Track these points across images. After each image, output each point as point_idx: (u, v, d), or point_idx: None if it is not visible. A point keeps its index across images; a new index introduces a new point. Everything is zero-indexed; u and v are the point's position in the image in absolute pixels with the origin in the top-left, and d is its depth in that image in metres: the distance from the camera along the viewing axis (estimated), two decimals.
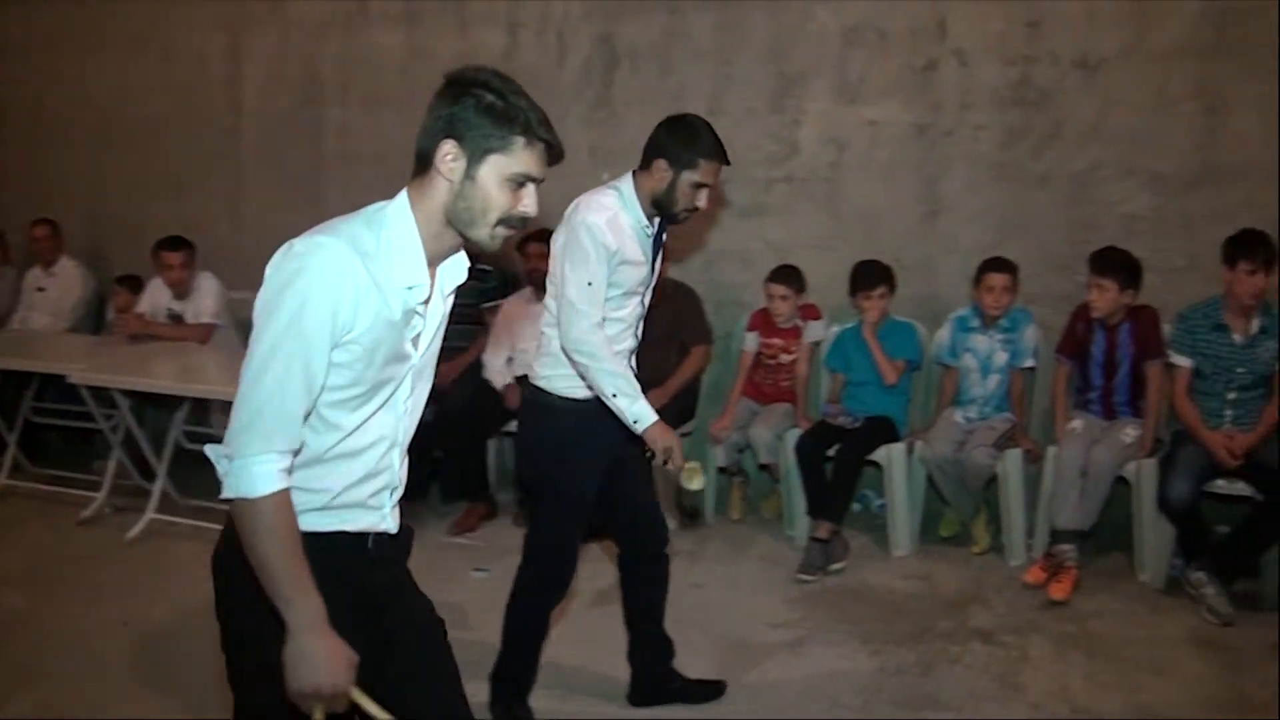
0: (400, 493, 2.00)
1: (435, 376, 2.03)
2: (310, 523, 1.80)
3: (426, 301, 1.86)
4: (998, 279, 4.78)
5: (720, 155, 2.98)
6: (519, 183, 1.80)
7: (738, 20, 5.40)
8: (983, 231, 5.10)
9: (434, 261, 1.85)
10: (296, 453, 1.74)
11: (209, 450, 1.75)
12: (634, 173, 3.07)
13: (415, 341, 1.88)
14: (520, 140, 1.78)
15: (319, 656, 1.66)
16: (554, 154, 1.82)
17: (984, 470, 4.65)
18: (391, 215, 1.82)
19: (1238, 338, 4.34)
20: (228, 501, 1.70)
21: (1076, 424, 4.63)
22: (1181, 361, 4.47)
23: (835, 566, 4.63)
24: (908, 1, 5.13)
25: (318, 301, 1.68)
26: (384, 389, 1.86)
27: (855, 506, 5.14)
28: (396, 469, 1.96)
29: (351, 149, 6.36)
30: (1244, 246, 4.25)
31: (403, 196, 1.83)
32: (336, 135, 6.44)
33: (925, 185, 5.18)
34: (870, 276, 4.94)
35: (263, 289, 1.73)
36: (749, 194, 5.47)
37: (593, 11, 5.72)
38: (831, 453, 4.83)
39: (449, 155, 1.77)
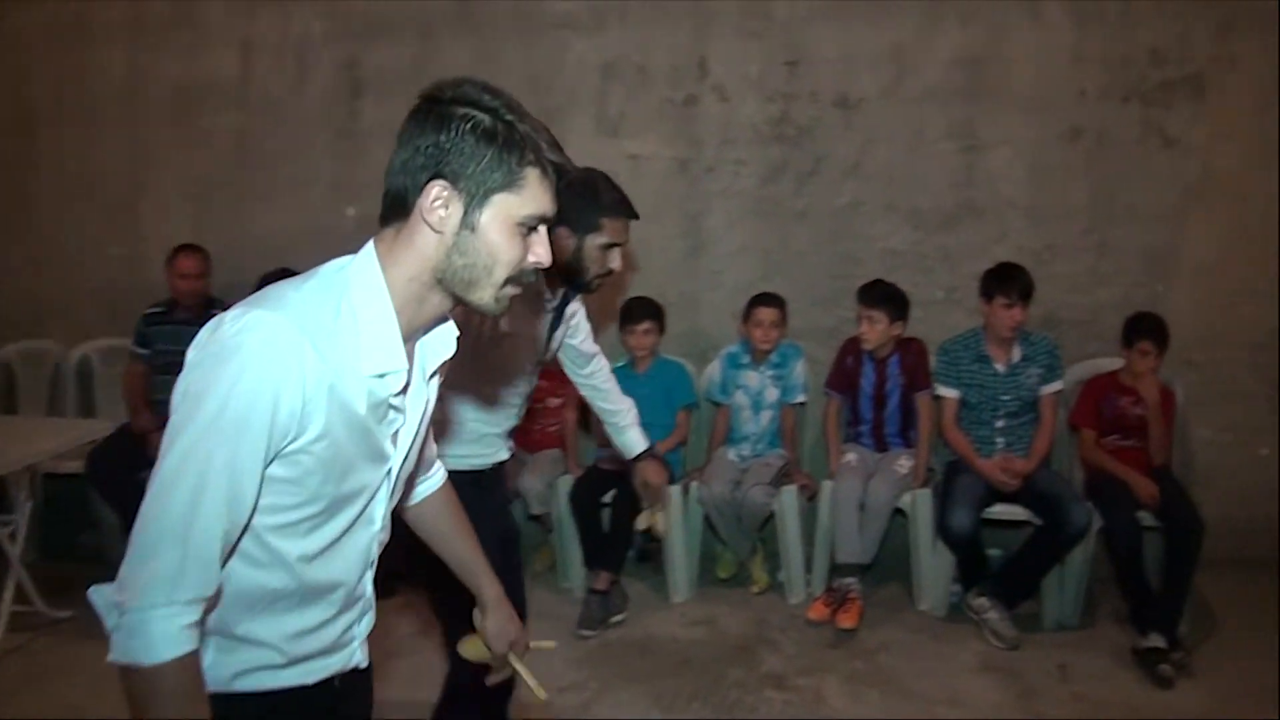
0: (374, 617, 1.64)
1: None
2: (257, 683, 1.46)
3: (404, 389, 1.49)
4: (767, 314, 4.72)
5: (627, 210, 2.63)
6: (531, 226, 1.44)
7: (493, 51, 5.16)
8: (746, 267, 5.06)
9: (412, 335, 1.48)
10: (212, 600, 1.35)
11: (94, 596, 1.33)
12: None
13: (395, 438, 1.51)
14: (533, 173, 1.41)
15: None
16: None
17: (762, 508, 4.54)
18: (355, 279, 1.42)
19: (1000, 367, 4.44)
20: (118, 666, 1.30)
21: (850, 457, 4.62)
22: (948, 393, 4.54)
23: (616, 618, 4.39)
24: (667, 37, 5.05)
25: (251, 398, 1.29)
26: (351, 504, 1.48)
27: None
28: (370, 594, 1.61)
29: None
30: (1001, 281, 4.37)
31: (368, 253, 1.44)
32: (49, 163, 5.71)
33: (688, 220, 5.10)
34: (638, 312, 4.78)
35: (180, 379, 1.34)
36: None
37: (335, 34, 5.32)
38: (607, 499, 4.60)
39: (439, 200, 1.38)
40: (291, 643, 1.48)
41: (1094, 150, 4.81)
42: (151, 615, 1.27)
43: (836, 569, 4.41)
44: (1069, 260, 4.86)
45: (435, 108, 1.40)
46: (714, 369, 4.95)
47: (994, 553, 4.56)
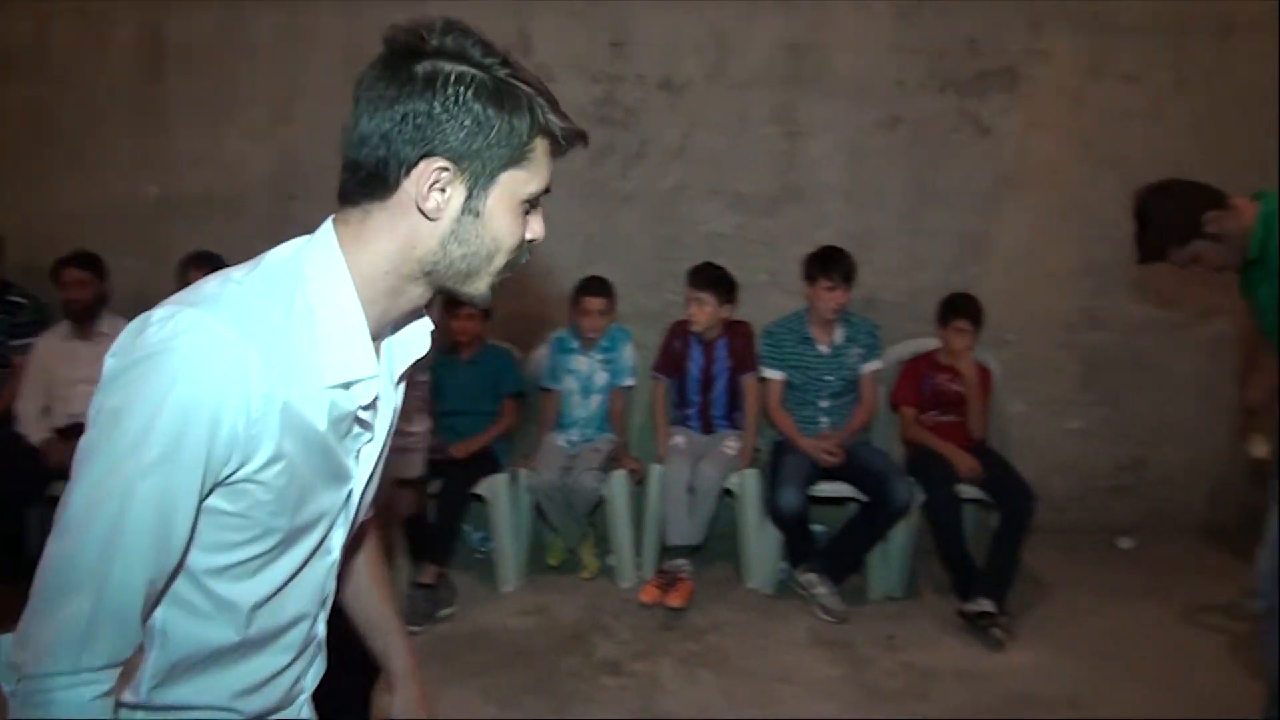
0: (324, 663, 1.39)
1: None
2: None
3: (371, 404, 1.25)
4: (594, 303, 4.65)
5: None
6: (533, 203, 1.22)
7: (306, 21, 4.92)
8: (572, 250, 4.97)
9: (380, 334, 1.25)
10: (133, 663, 1.13)
11: None
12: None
13: (359, 454, 1.28)
14: (541, 144, 1.19)
15: None
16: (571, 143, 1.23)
17: (592, 494, 4.47)
18: (311, 269, 1.17)
19: (824, 349, 4.50)
20: None
21: (678, 440, 4.60)
22: (773, 375, 4.57)
23: (444, 612, 4.23)
24: (490, 14, 4.90)
25: (183, 417, 1.05)
26: (309, 535, 1.24)
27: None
28: (322, 635, 1.36)
29: None
30: (823, 264, 4.43)
31: (327, 239, 1.18)
32: None
33: None
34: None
35: (97, 392, 1.09)
36: (324, 210, 4.94)
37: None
38: (433, 490, 4.45)
39: (437, 182, 1.14)
40: (241, 700, 1.25)
41: (912, 138, 4.94)
42: (54, 684, 1.05)
43: (667, 551, 4.39)
44: (888, 244, 4.97)
45: (419, 64, 1.12)
46: (542, 355, 4.85)
47: (818, 529, 4.62)
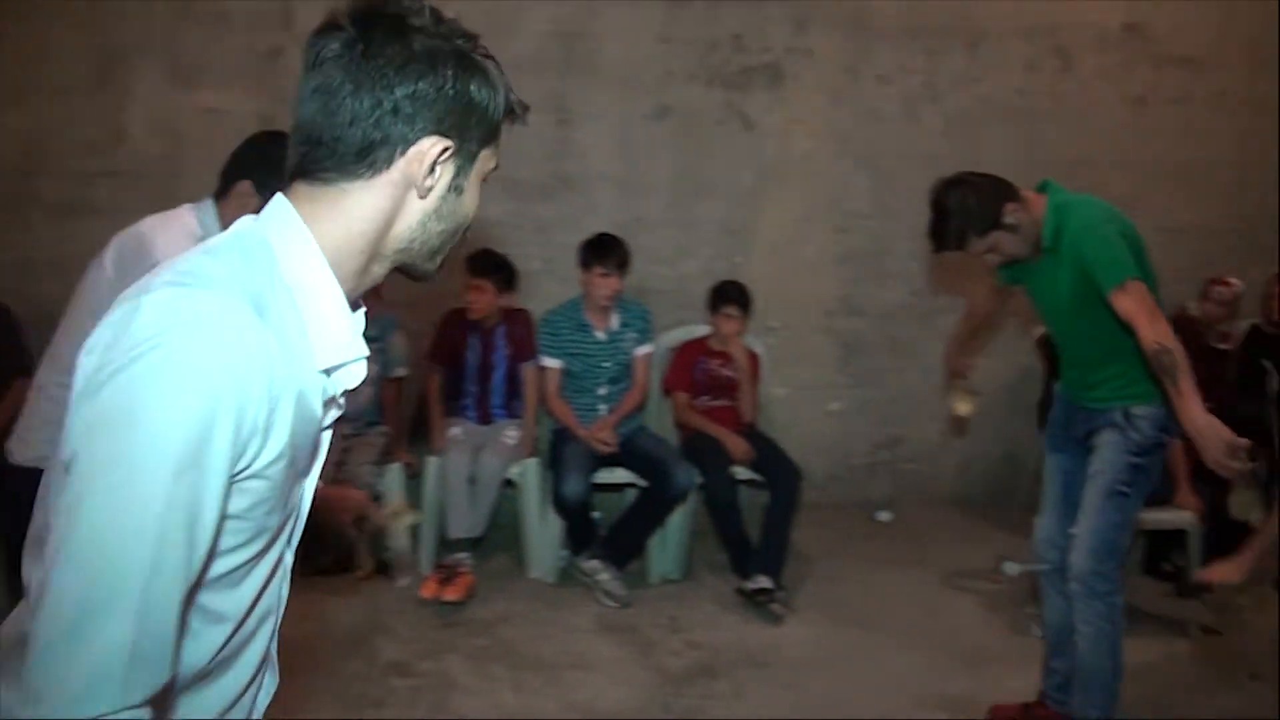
0: (276, 677, 1.29)
1: None
2: None
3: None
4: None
5: None
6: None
7: None
8: None
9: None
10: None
11: None
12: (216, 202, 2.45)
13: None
14: (505, 120, 1.19)
15: None
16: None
17: (368, 490, 4.32)
18: (280, 247, 1.09)
19: (600, 335, 4.53)
20: None
21: (455, 431, 4.52)
22: (551, 363, 4.55)
23: None
24: None
25: (210, 409, 0.94)
26: (282, 533, 1.16)
27: None
28: (274, 648, 1.26)
29: None
30: (597, 251, 4.45)
31: (290, 215, 1.11)
32: None
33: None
34: None
35: (84, 397, 0.96)
36: (68, 188, 4.56)
37: None
38: None
39: (434, 160, 1.11)
40: None
41: (679, 128, 5.03)
42: None
43: (447, 544, 4.30)
44: (656, 232, 5.05)
45: (415, 40, 1.09)
46: None
47: (596, 516, 4.65)
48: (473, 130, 1.14)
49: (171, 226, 2.36)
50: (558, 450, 4.45)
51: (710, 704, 3.54)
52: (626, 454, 4.41)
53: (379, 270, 1.18)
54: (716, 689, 3.63)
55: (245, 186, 2.38)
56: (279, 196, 1.14)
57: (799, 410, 5.23)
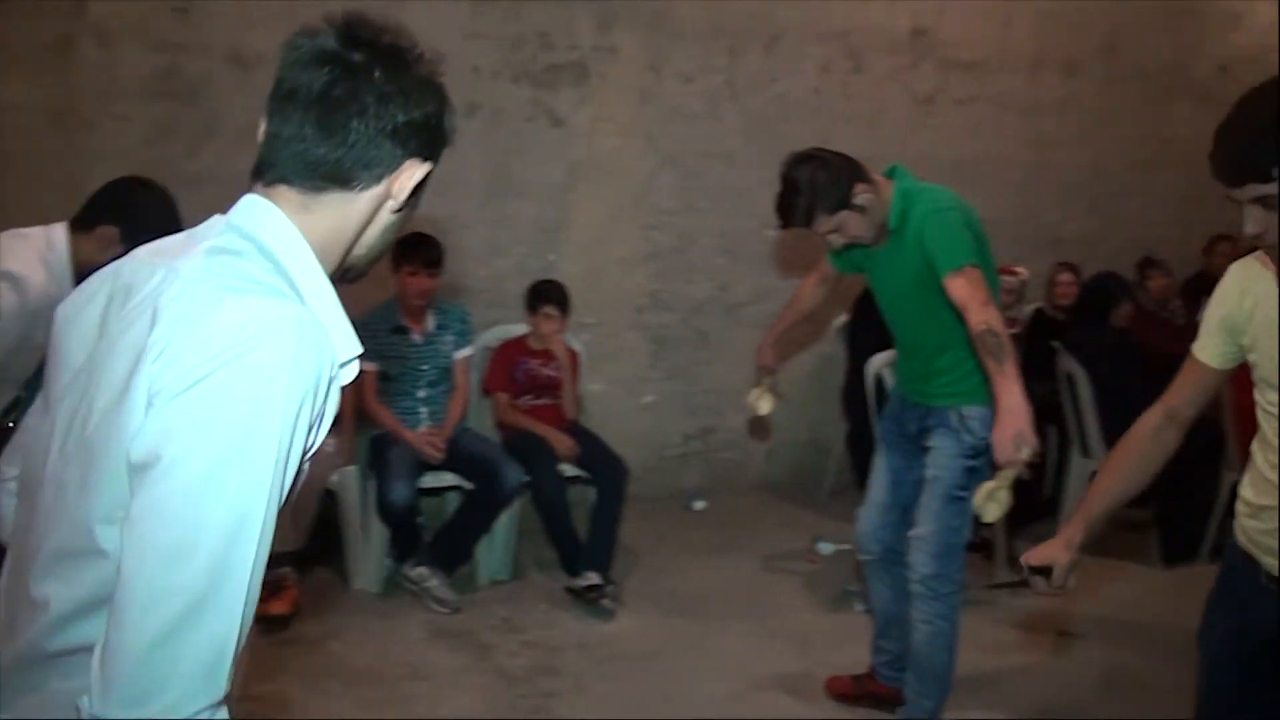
0: None
1: None
2: None
3: None
4: None
5: None
6: None
7: None
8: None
9: None
10: None
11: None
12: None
13: None
14: None
15: None
16: None
17: None
18: (282, 252, 1.18)
19: (417, 337, 4.45)
20: None
21: None
22: (367, 366, 4.43)
23: None
24: None
25: (299, 409, 1.06)
26: None
27: None
28: None
29: None
30: (409, 250, 4.36)
31: (281, 220, 1.19)
32: None
33: (68, 180, 4.42)
34: None
35: (170, 399, 1.02)
36: None
37: None
38: None
39: (417, 181, 1.27)
40: None
41: (489, 126, 5.00)
42: None
43: (268, 559, 4.14)
44: (469, 231, 5.01)
45: (411, 70, 1.24)
46: None
47: (420, 521, 4.59)
48: (437, 152, 1.29)
49: (23, 245, 2.35)
50: (379, 456, 4.35)
51: (553, 701, 3.57)
52: (451, 456, 4.35)
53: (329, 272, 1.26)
54: (558, 686, 3.66)
55: (110, 233, 2.43)
56: (261, 200, 1.20)
57: (614, 405, 5.30)
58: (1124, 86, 6.09)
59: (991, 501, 2.57)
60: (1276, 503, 1.93)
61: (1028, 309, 5.47)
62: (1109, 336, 4.97)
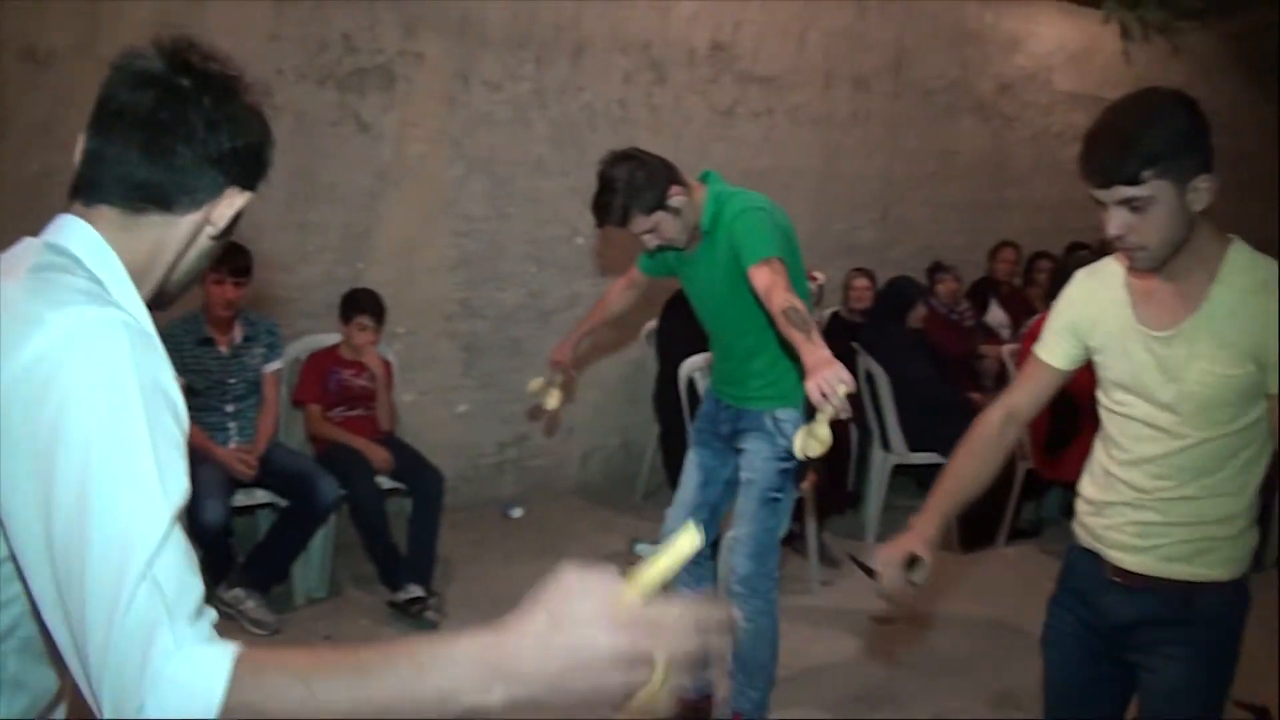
0: None
1: None
2: None
3: None
4: None
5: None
6: None
7: None
8: None
9: None
10: None
11: None
12: None
13: None
14: None
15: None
16: None
17: None
18: (101, 272, 1.16)
19: (224, 349, 4.29)
20: None
21: None
22: None
23: None
24: None
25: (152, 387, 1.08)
26: None
27: None
28: None
29: None
30: (217, 258, 4.22)
31: (95, 239, 1.18)
32: None
33: None
34: None
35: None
36: None
37: None
38: None
39: (230, 204, 1.27)
40: None
41: (293, 129, 4.85)
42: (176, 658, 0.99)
43: None
44: (274, 238, 4.85)
45: (240, 100, 1.24)
46: None
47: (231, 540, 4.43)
48: (257, 182, 1.30)
49: None
50: (191, 475, 4.15)
51: None
52: (263, 472, 4.20)
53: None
54: None
55: None
56: (77, 221, 1.18)
57: (427, 414, 5.24)
58: (911, 102, 6.46)
59: (812, 439, 2.58)
60: (1121, 499, 2.07)
61: (825, 312, 5.72)
62: (905, 337, 5.26)
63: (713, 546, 3.85)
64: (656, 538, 4.79)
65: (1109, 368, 2.09)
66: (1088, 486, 2.19)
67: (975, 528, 5.16)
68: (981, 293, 6.26)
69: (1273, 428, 1.90)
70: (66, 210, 1.21)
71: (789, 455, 3.13)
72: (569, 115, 5.47)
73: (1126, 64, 6.88)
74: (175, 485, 1.04)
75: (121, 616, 0.94)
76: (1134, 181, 1.80)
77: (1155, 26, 6.67)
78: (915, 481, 5.59)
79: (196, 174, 1.20)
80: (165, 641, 0.95)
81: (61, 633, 0.98)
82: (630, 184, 3.02)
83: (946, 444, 5.03)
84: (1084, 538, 2.18)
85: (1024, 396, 2.26)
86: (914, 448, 5.18)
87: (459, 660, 0.98)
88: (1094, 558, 2.14)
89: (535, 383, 3.75)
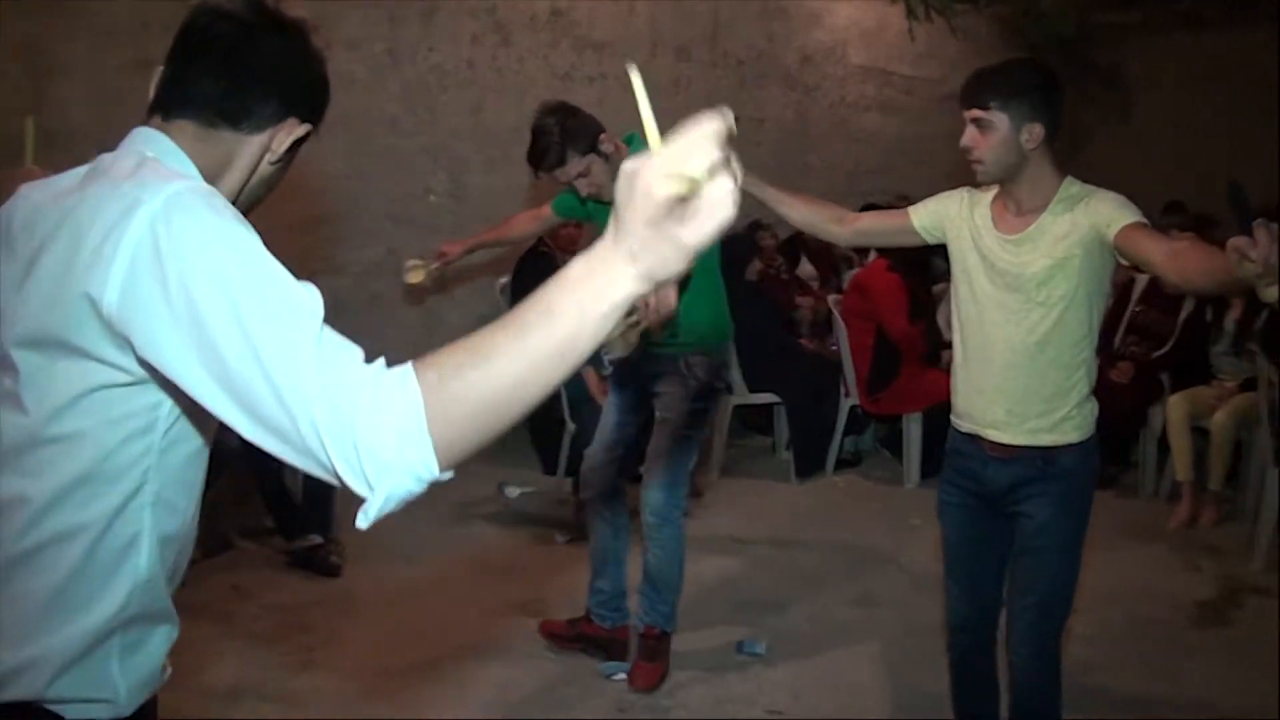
0: None
1: None
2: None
3: None
4: None
5: None
6: None
7: None
8: None
9: None
10: None
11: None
12: None
13: None
14: None
15: None
16: None
17: None
18: (177, 166, 1.29)
19: None
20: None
21: None
22: None
23: None
24: None
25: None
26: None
27: None
28: None
29: None
30: None
31: (174, 148, 1.31)
32: None
33: None
34: None
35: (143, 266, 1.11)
36: None
37: None
38: None
39: (296, 139, 1.40)
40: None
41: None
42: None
43: None
44: None
45: (306, 39, 1.39)
46: None
47: None
48: (316, 117, 1.43)
49: None
50: None
51: (316, 655, 3.68)
52: None
53: None
54: (314, 640, 3.78)
55: None
56: (151, 130, 1.33)
57: None
58: (725, 71, 6.91)
59: (620, 339, 2.97)
60: (990, 386, 2.58)
61: None
62: (744, 290, 5.71)
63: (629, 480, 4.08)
64: (521, 479, 5.13)
65: (966, 258, 2.61)
66: (958, 381, 2.69)
67: (808, 459, 5.70)
68: (793, 249, 6.79)
69: (1134, 256, 2.41)
70: (144, 125, 1.35)
71: (700, 395, 3.50)
72: (421, 75, 5.59)
73: (911, 41, 7.58)
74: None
75: (319, 381, 1.01)
76: (982, 107, 2.43)
77: (936, 8, 7.39)
78: (741, 422, 6.10)
79: (264, 99, 1.34)
80: (358, 378, 1.01)
81: (272, 443, 1.04)
82: (564, 128, 3.25)
83: (781, 385, 5.59)
84: (964, 426, 2.68)
85: (874, 220, 2.93)
86: (753, 389, 5.66)
87: (578, 279, 0.97)
88: (974, 440, 2.65)
89: (413, 261, 3.91)
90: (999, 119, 2.42)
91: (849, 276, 6.33)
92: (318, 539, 4.29)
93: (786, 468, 5.73)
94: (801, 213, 2.90)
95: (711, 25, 6.79)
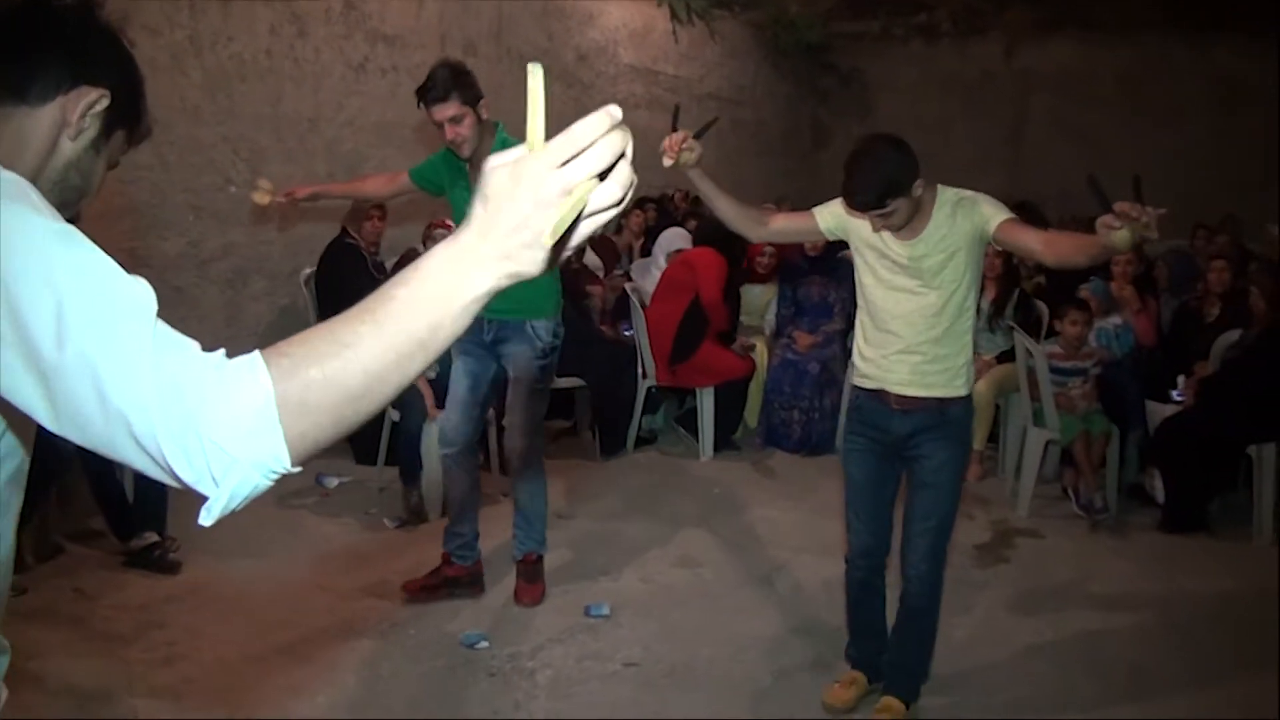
0: None
1: None
2: None
3: None
4: None
5: None
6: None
7: None
8: None
9: None
10: None
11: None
12: None
13: None
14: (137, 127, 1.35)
15: None
16: None
17: None
18: None
19: None
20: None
21: None
22: None
23: None
24: None
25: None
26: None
27: None
28: None
29: None
30: None
31: None
32: None
33: None
34: None
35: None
36: None
37: None
38: None
39: (89, 110, 1.22)
40: None
41: None
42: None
43: None
44: None
45: (96, 11, 1.26)
46: None
47: None
48: (122, 105, 1.26)
49: None
50: None
51: (180, 648, 3.68)
52: None
53: None
54: (178, 635, 3.77)
55: None
56: None
57: None
58: (509, 67, 7.13)
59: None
60: (895, 350, 3.09)
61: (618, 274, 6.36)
62: None
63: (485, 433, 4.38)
64: (336, 469, 5.23)
65: (868, 254, 3.11)
66: (865, 349, 3.20)
67: (611, 438, 6.05)
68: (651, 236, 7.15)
69: (1014, 246, 3.05)
70: None
71: (545, 353, 3.95)
72: (221, 64, 5.51)
73: (675, 43, 8.06)
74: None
75: (154, 377, 0.90)
76: (882, 208, 2.88)
77: (697, 13, 7.89)
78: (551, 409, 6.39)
79: (44, 65, 1.20)
80: (198, 370, 0.91)
81: (108, 449, 0.93)
82: (457, 73, 3.70)
83: (583, 369, 5.91)
84: (868, 383, 3.20)
85: (786, 221, 3.39)
86: (560, 375, 5.94)
87: (441, 269, 0.95)
88: (878, 394, 3.17)
89: (264, 182, 4.17)
90: (896, 204, 2.87)
91: (628, 267, 6.79)
92: (154, 536, 4.25)
93: (589, 448, 6.07)
94: (733, 212, 3.27)
95: (496, 22, 7.01)
